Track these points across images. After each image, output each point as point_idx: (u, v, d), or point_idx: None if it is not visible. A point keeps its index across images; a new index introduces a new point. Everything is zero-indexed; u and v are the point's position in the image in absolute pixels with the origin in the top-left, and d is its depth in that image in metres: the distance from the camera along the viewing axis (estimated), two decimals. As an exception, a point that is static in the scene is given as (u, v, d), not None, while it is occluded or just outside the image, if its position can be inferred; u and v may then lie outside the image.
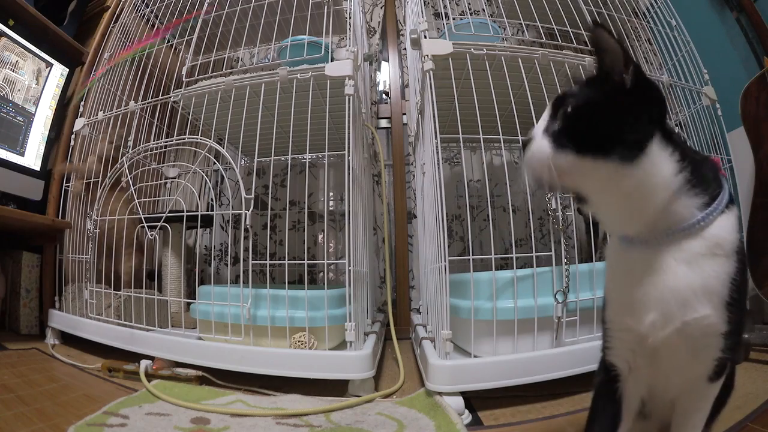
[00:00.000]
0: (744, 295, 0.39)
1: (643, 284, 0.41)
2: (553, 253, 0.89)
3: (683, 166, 0.39)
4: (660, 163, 0.39)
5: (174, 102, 1.24)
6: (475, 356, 0.89)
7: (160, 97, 1.33)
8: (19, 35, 1.35)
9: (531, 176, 0.41)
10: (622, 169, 0.38)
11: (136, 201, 1.18)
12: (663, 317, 0.40)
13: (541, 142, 0.41)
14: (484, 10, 1.42)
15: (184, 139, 1.17)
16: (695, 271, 0.39)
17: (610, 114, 0.39)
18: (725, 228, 0.39)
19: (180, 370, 0.98)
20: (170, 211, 1.30)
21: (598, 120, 0.39)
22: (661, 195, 0.39)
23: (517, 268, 0.88)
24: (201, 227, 1.66)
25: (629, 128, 0.38)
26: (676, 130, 1.06)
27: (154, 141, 1.23)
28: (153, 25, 1.62)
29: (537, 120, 0.46)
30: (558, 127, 0.40)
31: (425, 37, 0.99)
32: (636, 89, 0.39)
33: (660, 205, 0.39)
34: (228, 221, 1.73)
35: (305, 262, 1.06)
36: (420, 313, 1.51)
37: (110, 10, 1.65)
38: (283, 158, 1.23)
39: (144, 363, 0.98)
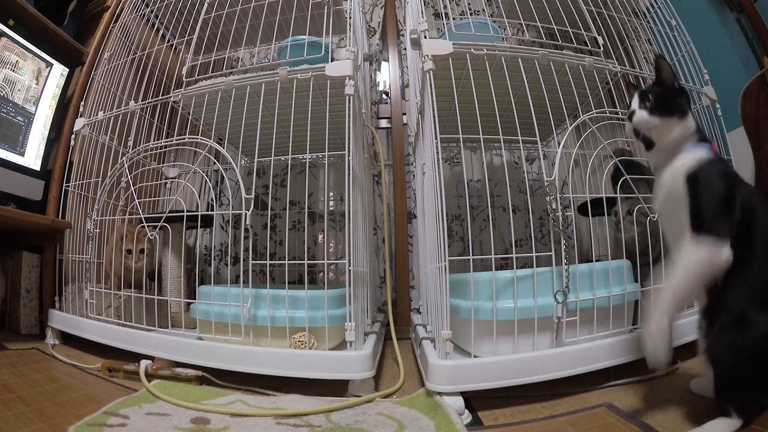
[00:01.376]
0: (700, 181, 0.66)
1: (657, 186, 0.75)
2: (553, 253, 0.89)
3: (698, 126, 0.73)
4: (691, 121, 0.72)
5: (174, 102, 1.24)
6: (475, 356, 0.89)
7: (160, 97, 1.33)
8: (19, 35, 1.35)
9: (633, 130, 0.76)
10: (678, 122, 0.72)
11: (137, 201, 1.18)
12: (658, 193, 0.74)
13: (641, 113, 0.74)
14: (484, 10, 1.42)
15: (184, 139, 1.18)
16: (672, 174, 0.70)
17: (673, 98, 0.73)
18: (694, 153, 0.69)
19: (180, 370, 0.98)
20: (170, 211, 1.30)
21: (668, 101, 0.73)
22: (688, 136, 0.72)
23: (517, 268, 0.88)
24: (201, 227, 1.66)
25: (682, 104, 0.73)
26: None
27: (154, 141, 1.23)
28: (153, 25, 1.62)
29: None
30: (649, 105, 0.74)
31: (425, 37, 0.99)
32: (680, 89, 0.75)
33: (680, 138, 0.72)
34: (228, 221, 1.73)
35: (305, 262, 1.06)
36: (420, 313, 1.51)
37: (110, 10, 1.65)
38: (283, 158, 1.23)
39: (144, 363, 0.98)
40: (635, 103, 0.76)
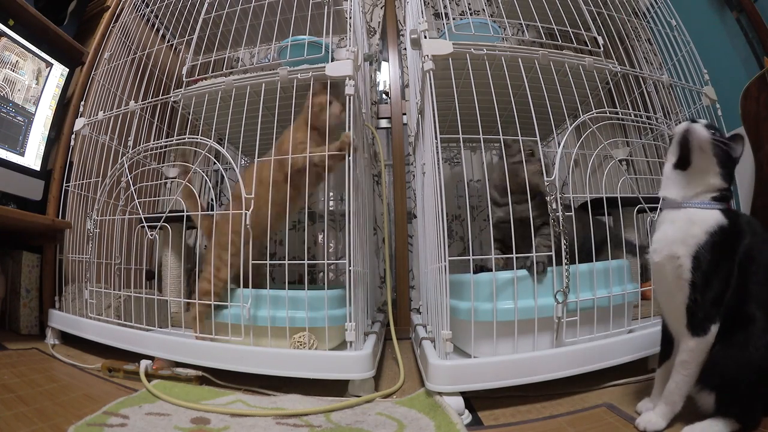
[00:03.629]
0: (706, 264, 0.64)
1: (659, 230, 0.70)
2: (553, 253, 0.89)
3: (722, 182, 0.68)
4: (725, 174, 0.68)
5: (174, 102, 1.24)
6: (474, 357, 0.89)
7: (160, 97, 1.33)
8: (19, 35, 1.35)
9: (683, 138, 0.69)
10: (719, 164, 0.68)
11: (137, 201, 1.18)
12: (658, 249, 0.69)
13: (706, 131, 0.68)
14: (484, 10, 1.42)
15: (184, 139, 1.17)
16: (682, 239, 0.66)
17: (735, 158, 0.70)
18: (711, 216, 0.66)
19: (180, 370, 0.98)
20: (170, 211, 1.30)
21: (731, 156, 0.69)
22: (714, 181, 0.68)
23: (517, 268, 0.88)
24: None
25: (732, 163, 0.69)
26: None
27: (154, 141, 1.23)
28: (153, 25, 1.62)
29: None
30: (713, 139, 0.67)
31: (425, 37, 0.99)
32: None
33: (708, 186, 0.68)
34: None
35: (305, 262, 1.06)
36: (420, 313, 1.51)
37: (110, 10, 1.65)
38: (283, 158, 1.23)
39: (144, 363, 0.98)
40: (701, 122, 0.70)
